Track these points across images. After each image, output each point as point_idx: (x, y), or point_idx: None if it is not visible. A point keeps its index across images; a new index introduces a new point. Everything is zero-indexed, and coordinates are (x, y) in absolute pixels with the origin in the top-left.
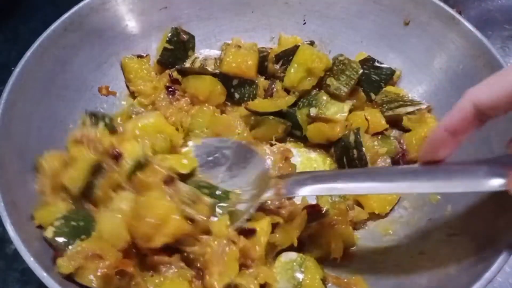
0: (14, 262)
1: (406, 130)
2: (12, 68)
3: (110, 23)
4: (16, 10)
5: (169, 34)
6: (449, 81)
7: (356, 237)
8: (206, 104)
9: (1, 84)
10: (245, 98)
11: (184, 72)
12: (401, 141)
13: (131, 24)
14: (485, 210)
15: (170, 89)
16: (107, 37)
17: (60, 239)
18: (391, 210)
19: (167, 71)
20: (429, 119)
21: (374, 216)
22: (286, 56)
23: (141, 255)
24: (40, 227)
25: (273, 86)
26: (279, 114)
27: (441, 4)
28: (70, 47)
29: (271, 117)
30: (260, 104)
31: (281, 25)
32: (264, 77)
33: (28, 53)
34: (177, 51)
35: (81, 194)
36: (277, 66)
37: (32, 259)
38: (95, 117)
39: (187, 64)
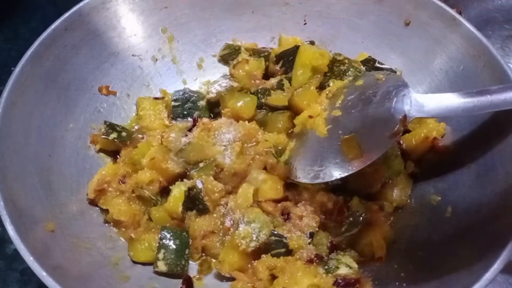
0: (14, 262)
1: (406, 131)
2: (12, 68)
3: (111, 23)
4: (16, 10)
5: (174, 97)
6: (449, 82)
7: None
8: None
9: (1, 84)
10: None
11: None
12: (401, 142)
13: (132, 23)
14: (485, 211)
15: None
16: (108, 37)
17: (175, 267)
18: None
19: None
20: (429, 120)
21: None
22: (287, 57)
23: None
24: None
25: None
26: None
27: (441, 4)
28: (70, 46)
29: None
30: (277, 98)
31: (282, 26)
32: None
33: (28, 53)
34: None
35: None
36: (278, 67)
37: (31, 258)
38: (111, 127)
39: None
